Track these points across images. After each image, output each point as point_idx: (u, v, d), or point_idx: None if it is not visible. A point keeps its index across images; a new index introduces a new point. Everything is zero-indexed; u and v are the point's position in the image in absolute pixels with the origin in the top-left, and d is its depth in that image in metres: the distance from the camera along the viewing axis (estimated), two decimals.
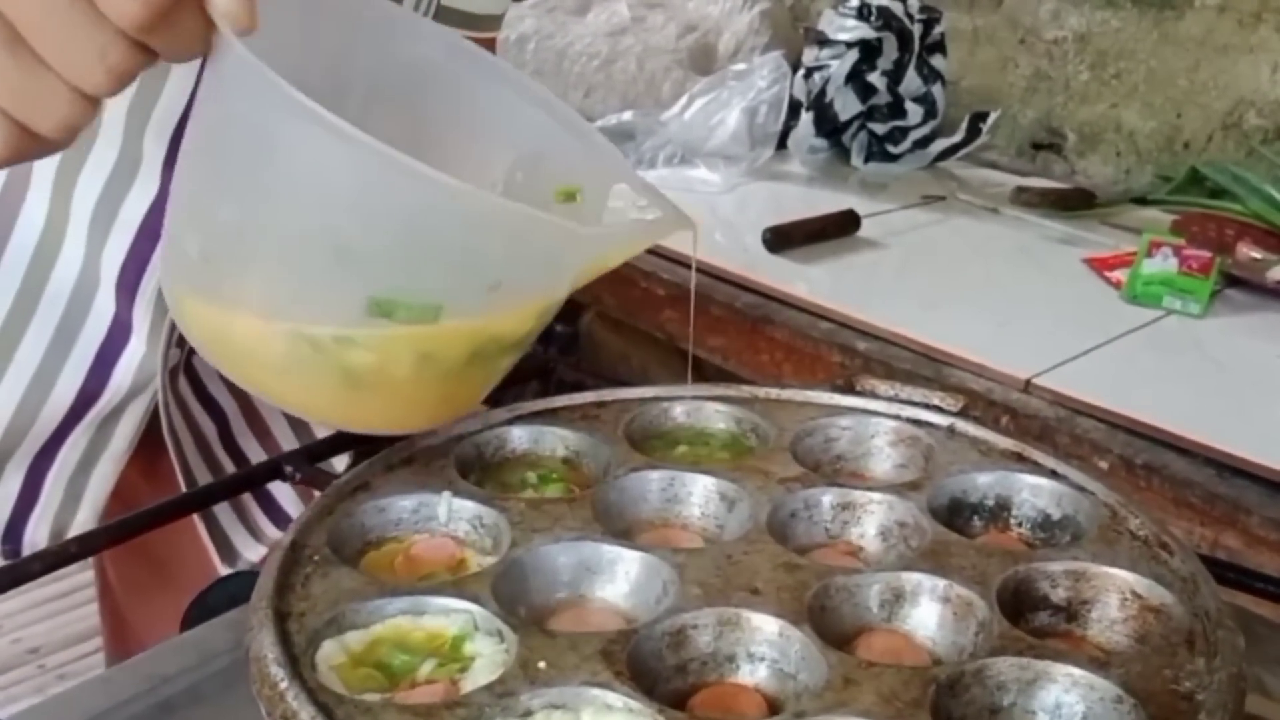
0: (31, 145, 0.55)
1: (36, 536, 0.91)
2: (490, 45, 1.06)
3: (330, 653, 0.56)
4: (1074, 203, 1.76)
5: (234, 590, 0.82)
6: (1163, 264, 1.45)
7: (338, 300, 0.62)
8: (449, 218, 0.59)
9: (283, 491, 1.01)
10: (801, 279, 1.50)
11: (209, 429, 0.96)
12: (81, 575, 1.76)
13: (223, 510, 0.99)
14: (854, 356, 1.37)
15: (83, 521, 0.91)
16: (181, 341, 0.89)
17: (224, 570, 0.97)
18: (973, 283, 1.55)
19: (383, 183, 0.57)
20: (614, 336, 1.69)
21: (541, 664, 0.55)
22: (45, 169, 0.79)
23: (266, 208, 0.61)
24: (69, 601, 1.91)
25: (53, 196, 0.80)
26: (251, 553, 1.00)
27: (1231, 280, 1.51)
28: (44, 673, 1.81)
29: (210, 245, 0.64)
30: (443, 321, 0.62)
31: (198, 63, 0.77)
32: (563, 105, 0.77)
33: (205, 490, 0.83)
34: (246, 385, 0.69)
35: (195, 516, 0.96)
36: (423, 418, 0.71)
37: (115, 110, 0.78)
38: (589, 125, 0.78)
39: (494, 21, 1.04)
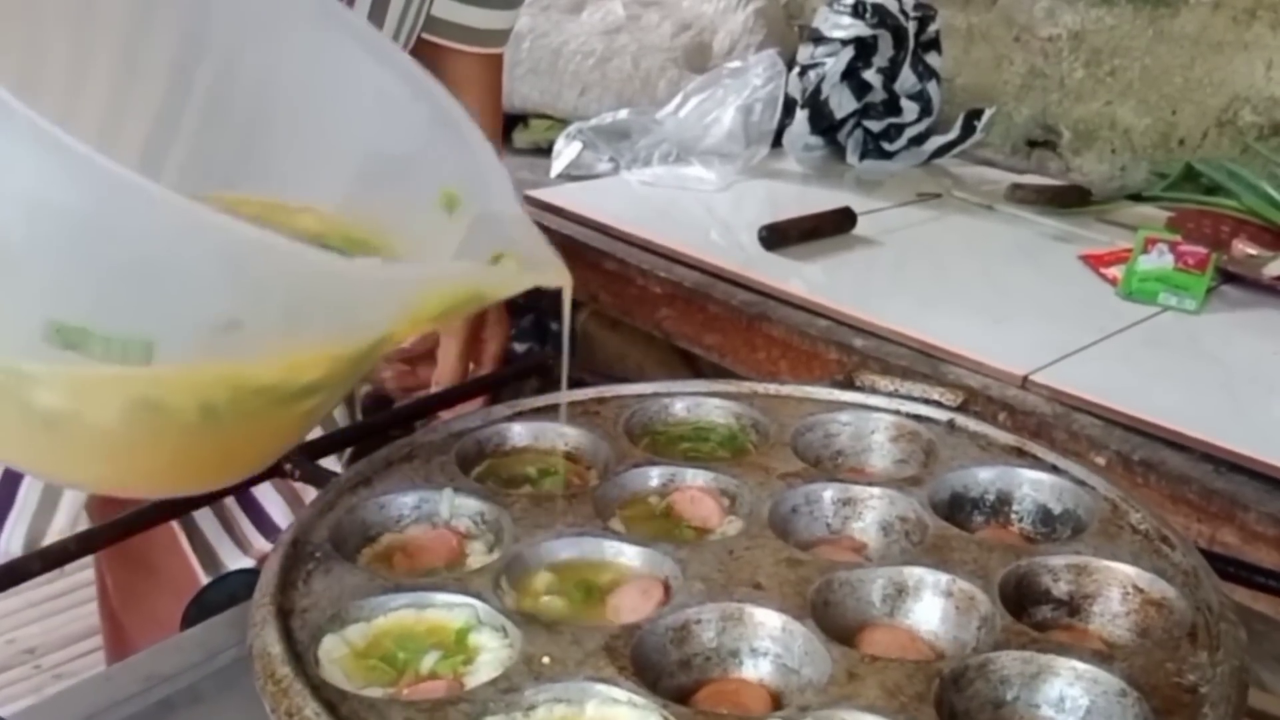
0: None
1: (12, 541, 0.90)
2: (496, 62, 1.05)
3: (332, 647, 0.56)
4: (1069, 199, 1.76)
5: (233, 588, 0.81)
6: (1158, 260, 1.45)
7: (6, 320, 0.48)
8: (148, 230, 0.46)
9: (272, 501, 1.00)
10: (798, 276, 1.50)
11: None
12: (78, 575, 1.75)
13: (208, 521, 0.98)
14: (851, 354, 1.36)
15: (60, 527, 0.90)
16: None
17: (206, 579, 0.97)
18: (969, 279, 1.55)
19: (59, 175, 0.45)
20: (610, 335, 1.69)
21: (545, 659, 0.55)
22: None
23: None
24: (65, 601, 1.91)
25: None
26: (236, 564, 0.99)
27: (1227, 276, 1.51)
28: (40, 672, 1.81)
29: None
30: (156, 363, 0.48)
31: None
32: (450, 101, 0.66)
33: None
34: None
35: (176, 526, 0.95)
36: (185, 477, 0.60)
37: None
38: (477, 132, 0.67)
39: (498, 36, 1.03)
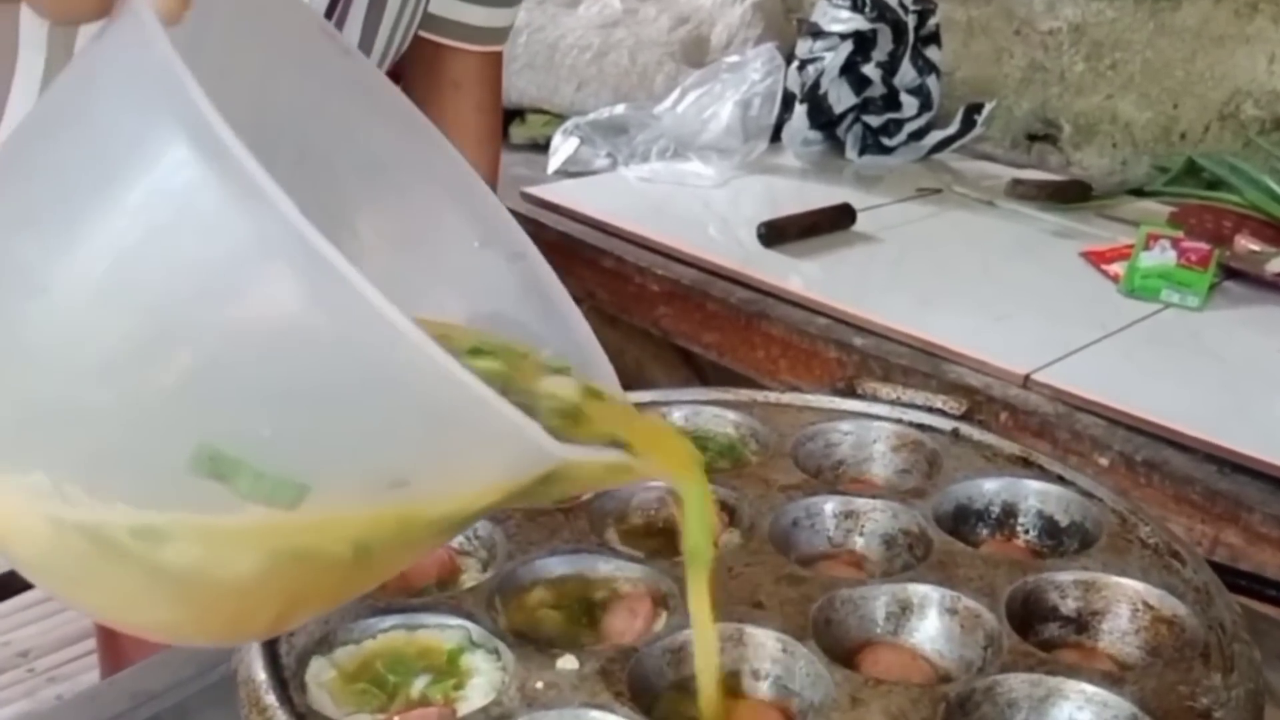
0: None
1: None
2: (496, 60, 1.03)
3: (320, 670, 0.55)
4: (1070, 195, 1.74)
5: None
6: (1160, 257, 1.44)
7: (147, 454, 0.41)
8: (376, 375, 0.39)
9: None
10: (796, 274, 1.48)
11: None
12: None
13: None
14: (850, 353, 1.35)
15: None
16: None
17: None
18: (969, 276, 1.53)
19: (297, 284, 0.38)
20: (609, 332, 1.67)
21: (539, 684, 0.53)
22: None
23: (92, 255, 0.40)
24: (59, 604, 1.88)
25: None
26: None
27: (1230, 273, 1.49)
28: (34, 676, 1.79)
29: None
30: (302, 508, 0.41)
31: (37, 77, 0.75)
32: (540, 261, 0.58)
33: None
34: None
35: None
36: (307, 610, 0.52)
37: None
38: (567, 298, 0.58)
39: (499, 34, 1.01)
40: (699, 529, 0.52)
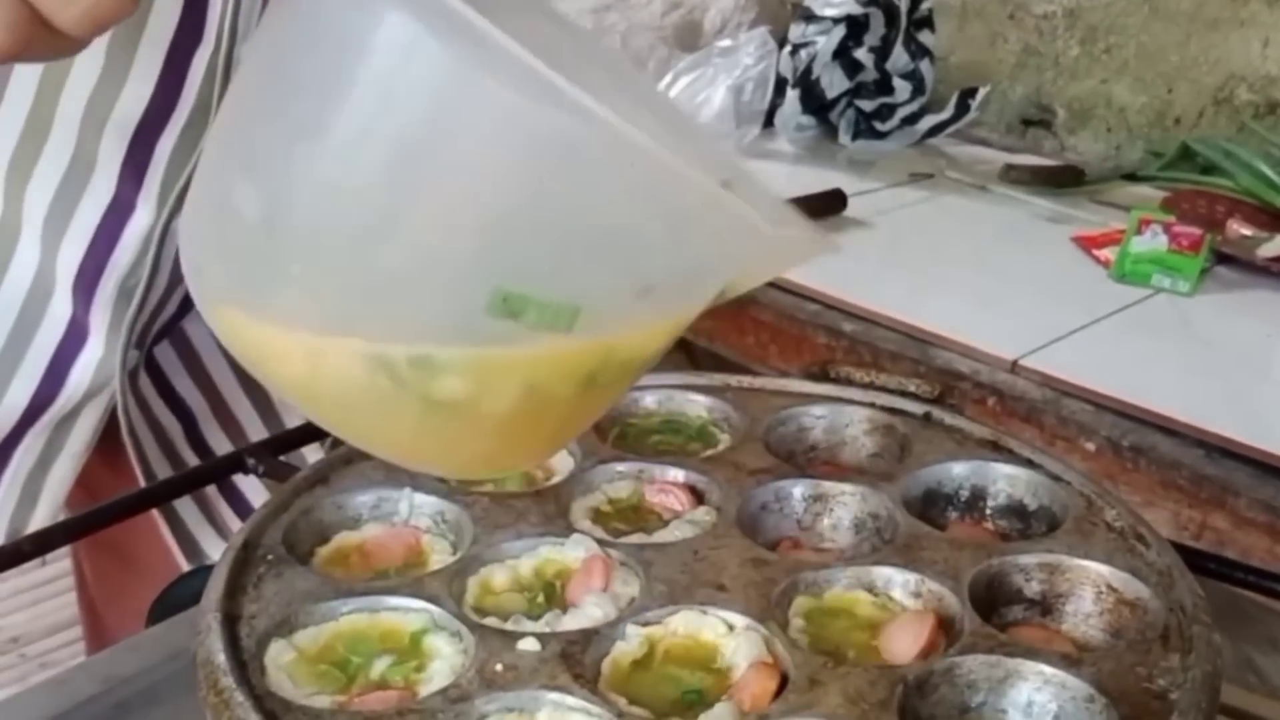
0: (44, 39, 0.45)
1: None
2: None
3: (279, 652, 0.55)
4: (1064, 180, 1.74)
5: (198, 586, 0.80)
6: (1152, 242, 1.43)
7: (450, 298, 0.44)
8: (622, 182, 0.42)
9: (250, 486, 0.99)
10: None
11: (173, 427, 0.95)
12: (62, 563, 1.74)
13: (186, 507, 0.97)
14: (839, 338, 1.35)
15: (40, 522, 0.90)
16: (141, 342, 0.87)
17: (188, 568, 0.96)
18: (960, 262, 1.53)
19: (550, 125, 0.41)
20: None
21: (499, 666, 0.53)
22: None
23: (376, 142, 0.43)
24: (50, 590, 1.89)
25: (4, 198, 0.78)
26: (218, 552, 0.97)
27: (1221, 258, 1.49)
28: (25, 661, 1.80)
29: (278, 200, 0.44)
30: (575, 332, 0.45)
31: (159, 65, 0.76)
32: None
33: (164, 485, 0.82)
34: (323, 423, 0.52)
35: (157, 515, 0.94)
36: (522, 456, 0.56)
37: (69, 110, 0.76)
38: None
39: None
40: None
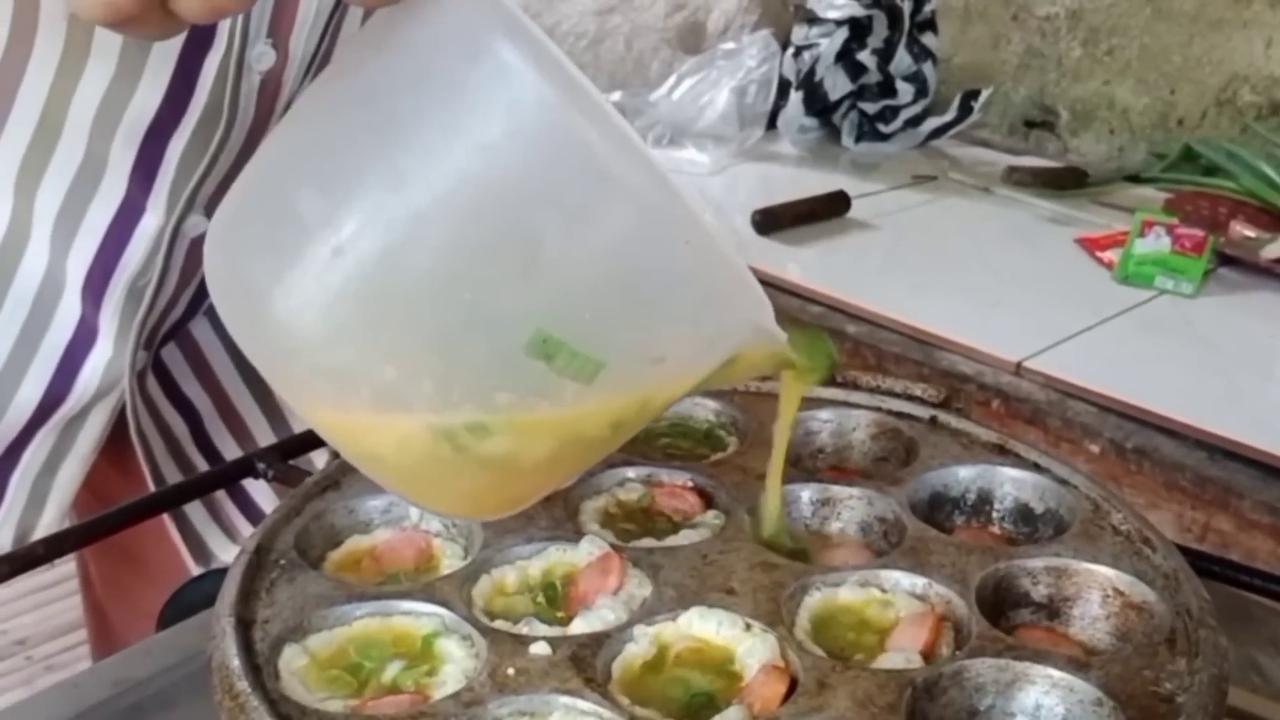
0: (157, 19, 0.45)
1: (0, 538, 0.90)
2: None
3: (292, 657, 0.55)
4: (1066, 182, 1.74)
5: (209, 588, 0.80)
6: (1155, 243, 1.44)
7: (491, 344, 0.47)
8: (674, 255, 0.46)
9: (259, 489, 0.99)
10: (791, 261, 1.49)
11: (180, 429, 0.95)
12: (69, 566, 1.75)
13: (196, 511, 0.97)
14: (843, 340, 1.35)
15: (48, 523, 0.90)
16: (150, 344, 0.88)
17: (197, 571, 0.96)
18: (963, 264, 1.54)
19: (635, 186, 0.44)
20: None
21: (510, 670, 0.54)
22: (5, 171, 0.78)
23: (475, 202, 0.45)
24: (56, 592, 1.90)
25: (15, 200, 0.79)
26: (226, 554, 0.98)
27: (1224, 259, 1.49)
28: (32, 664, 1.80)
29: (358, 233, 0.45)
30: (594, 385, 0.48)
31: (171, 68, 0.76)
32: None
33: (175, 490, 0.82)
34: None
35: (166, 517, 0.94)
36: (547, 490, 0.59)
37: (80, 112, 0.76)
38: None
39: None
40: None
